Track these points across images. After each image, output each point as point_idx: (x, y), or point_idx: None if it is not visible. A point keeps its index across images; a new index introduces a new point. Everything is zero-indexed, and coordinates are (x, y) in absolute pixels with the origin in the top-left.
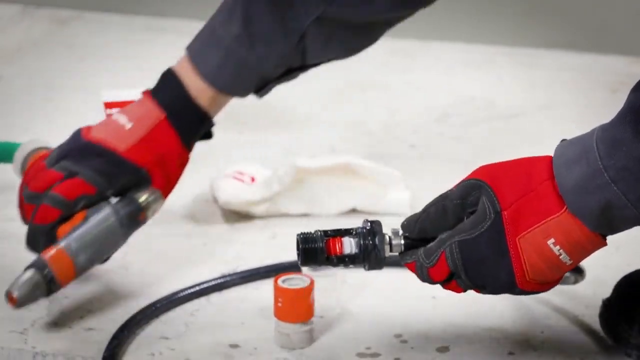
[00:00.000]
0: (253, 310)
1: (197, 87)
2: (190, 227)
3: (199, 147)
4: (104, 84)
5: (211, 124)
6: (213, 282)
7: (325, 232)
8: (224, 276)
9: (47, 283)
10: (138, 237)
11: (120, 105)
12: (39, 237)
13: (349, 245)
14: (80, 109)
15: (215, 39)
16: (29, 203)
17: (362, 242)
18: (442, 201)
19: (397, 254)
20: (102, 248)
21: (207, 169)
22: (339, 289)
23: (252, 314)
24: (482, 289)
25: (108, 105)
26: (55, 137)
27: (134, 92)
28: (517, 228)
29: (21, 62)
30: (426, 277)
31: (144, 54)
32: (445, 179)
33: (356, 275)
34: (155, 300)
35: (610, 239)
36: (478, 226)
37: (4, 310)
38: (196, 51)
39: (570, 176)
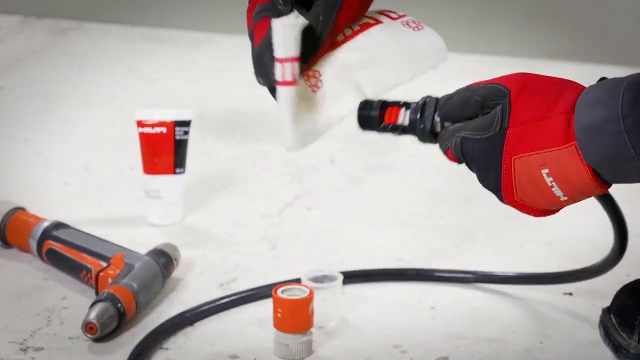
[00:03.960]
0: (252, 321)
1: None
2: (189, 238)
3: (200, 160)
4: (104, 94)
5: None
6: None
7: (385, 101)
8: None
9: (119, 316)
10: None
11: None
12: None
13: (403, 117)
14: (79, 119)
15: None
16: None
17: (412, 115)
18: (466, 92)
19: (439, 130)
20: (153, 289)
21: (208, 181)
22: (338, 300)
23: (252, 325)
24: None
25: (140, 124)
26: (55, 147)
27: (166, 112)
28: (515, 148)
29: (21, 73)
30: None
31: (143, 65)
32: (444, 189)
33: (355, 286)
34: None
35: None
36: (482, 131)
37: (3, 321)
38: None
39: (589, 116)
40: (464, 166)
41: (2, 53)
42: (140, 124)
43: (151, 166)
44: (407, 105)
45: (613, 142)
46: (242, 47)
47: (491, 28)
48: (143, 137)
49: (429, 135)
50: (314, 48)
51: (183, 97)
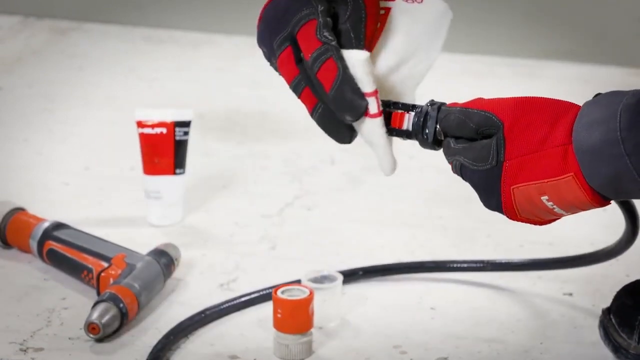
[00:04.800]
0: (252, 321)
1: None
2: (189, 238)
3: (200, 160)
4: (104, 94)
5: None
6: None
7: (393, 103)
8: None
9: (121, 316)
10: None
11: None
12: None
13: (407, 122)
14: (79, 119)
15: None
16: None
17: (414, 123)
18: (462, 115)
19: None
20: (154, 289)
21: (208, 181)
22: (338, 300)
23: (251, 325)
24: None
25: (140, 124)
26: (55, 147)
27: (166, 112)
28: (514, 179)
29: (21, 73)
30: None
31: (143, 65)
32: (444, 189)
33: (355, 286)
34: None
35: None
36: (479, 163)
37: (3, 322)
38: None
39: (589, 139)
40: None
41: (2, 53)
42: (140, 124)
43: (151, 167)
44: (412, 108)
45: (615, 165)
46: (242, 47)
47: (491, 28)
48: (143, 137)
49: (431, 144)
50: None
51: (183, 97)
